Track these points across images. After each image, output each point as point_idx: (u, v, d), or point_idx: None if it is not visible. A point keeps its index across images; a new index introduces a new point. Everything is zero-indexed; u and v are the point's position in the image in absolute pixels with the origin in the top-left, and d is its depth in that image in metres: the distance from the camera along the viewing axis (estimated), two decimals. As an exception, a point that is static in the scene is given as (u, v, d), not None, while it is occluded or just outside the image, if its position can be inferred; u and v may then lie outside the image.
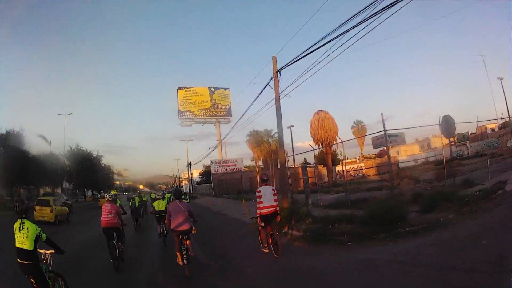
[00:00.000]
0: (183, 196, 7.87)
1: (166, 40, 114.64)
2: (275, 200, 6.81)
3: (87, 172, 41.18)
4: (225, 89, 47.65)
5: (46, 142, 35.54)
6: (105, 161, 49.95)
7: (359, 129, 49.15)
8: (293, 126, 29.95)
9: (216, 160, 42.75)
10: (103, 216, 6.85)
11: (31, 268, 3.76)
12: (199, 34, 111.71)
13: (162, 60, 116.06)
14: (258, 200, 6.86)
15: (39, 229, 3.88)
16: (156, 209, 9.78)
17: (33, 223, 3.95)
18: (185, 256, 5.72)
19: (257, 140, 42.39)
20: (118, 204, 8.61)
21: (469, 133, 42.24)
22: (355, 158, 54.92)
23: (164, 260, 7.60)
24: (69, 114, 41.26)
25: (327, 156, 34.49)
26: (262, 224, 6.74)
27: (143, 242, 10.35)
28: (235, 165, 41.47)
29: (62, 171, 37.87)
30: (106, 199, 7.34)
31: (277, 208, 6.82)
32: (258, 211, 6.85)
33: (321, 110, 34.04)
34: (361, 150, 50.44)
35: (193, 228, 6.01)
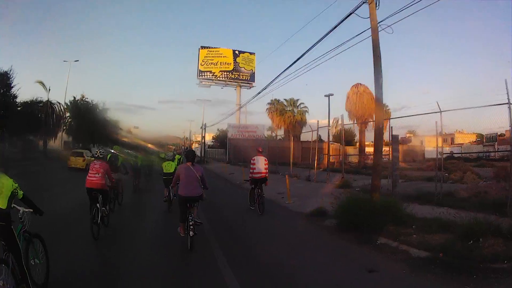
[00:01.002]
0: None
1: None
2: (265, 169, 8.71)
3: (90, 125, 37.30)
4: (250, 53, 44.70)
5: (44, 89, 32.40)
6: (113, 115, 46.90)
7: (385, 113, 47.16)
8: (332, 94, 27.83)
9: (234, 124, 40.15)
10: (89, 175, 6.05)
11: (2, 229, 3.05)
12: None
13: (185, 18, 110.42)
14: (252, 166, 8.73)
15: (16, 184, 3.27)
16: (164, 171, 9.07)
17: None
18: (191, 226, 4.93)
19: (281, 108, 40.05)
20: (120, 162, 8.62)
21: (498, 134, 40.89)
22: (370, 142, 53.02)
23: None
24: (75, 61, 37.71)
25: (362, 135, 32.27)
26: (253, 186, 8.68)
27: (141, 207, 9.47)
28: (255, 131, 39.02)
29: (57, 121, 34.25)
30: (96, 155, 6.48)
31: (267, 175, 8.75)
32: (250, 175, 8.80)
33: (359, 83, 31.67)
34: (384, 133, 48.44)
35: (204, 195, 5.44)
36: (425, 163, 30.02)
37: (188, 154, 5.70)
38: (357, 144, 38.71)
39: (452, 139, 47.64)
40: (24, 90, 68.88)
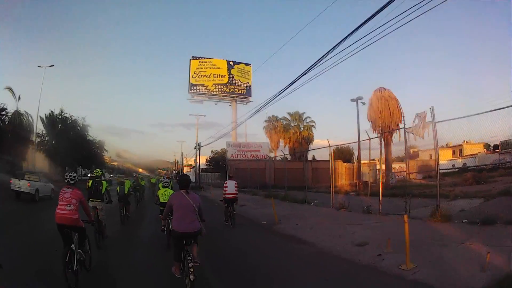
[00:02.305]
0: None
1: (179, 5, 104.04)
2: (236, 190, 10.51)
3: (68, 143, 32.26)
4: (246, 64, 40.90)
5: (13, 97, 27.23)
6: (96, 134, 41.52)
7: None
8: (361, 98, 23.94)
9: (235, 142, 35.58)
10: (58, 207, 4.62)
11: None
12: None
13: (174, 30, 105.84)
14: (224, 189, 10.62)
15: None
16: (161, 200, 7.85)
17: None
18: (191, 269, 4.05)
19: (284, 124, 36.10)
20: (104, 188, 7.49)
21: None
22: (374, 159, 49.98)
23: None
24: (51, 66, 32.53)
25: (388, 148, 28.56)
26: (225, 205, 10.49)
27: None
28: (258, 150, 34.59)
29: (26, 136, 28.75)
30: (66, 180, 4.92)
31: (236, 196, 10.52)
32: (223, 196, 10.69)
33: (383, 88, 28.24)
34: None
35: (203, 230, 4.50)
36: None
37: (182, 180, 4.69)
38: (375, 160, 34.91)
39: (461, 151, 45.49)
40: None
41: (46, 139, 33.19)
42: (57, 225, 4.58)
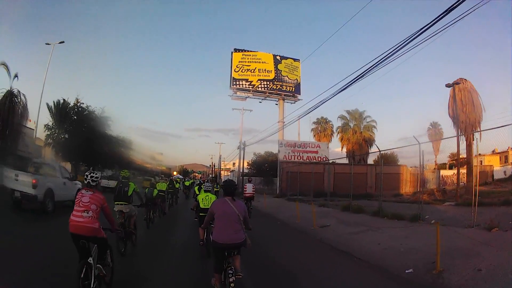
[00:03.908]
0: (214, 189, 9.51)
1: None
2: (253, 191, 14.76)
3: (82, 137, 27.30)
4: (294, 59, 37.70)
5: (7, 74, 22.64)
6: (118, 130, 37.20)
7: (437, 133, 42.46)
8: (458, 83, 21.48)
9: (288, 141, 31.85)
10: (73, 213, 3.90)
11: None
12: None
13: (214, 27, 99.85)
14: (244, 190, 14.86)
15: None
16: (201, 206, 6.67)
17: None
18: (232, 284, 3.71)
19: (343, 124, 33.06)
20: (131, 190, 6.80)
21: None
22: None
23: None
24: (60, 42, 28.42)
25: (469, 149, 25.91)
26: (245, 201, 13.19)
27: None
28: (317, 152, 31.23)
29: (19, 122, 23.83)
30: (86, 181, 4.16)
31: (253, 195, 14.77)
32: (243, 195, 14.66)
33: (463, 78, 25.65)
34: (435, 156, 43.70)
35: (248, 241, 4.13)
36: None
37: (227, 186, 4.24)
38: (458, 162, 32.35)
39: (506, 157, 43.97)
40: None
41: (56, 132, 28.77)
42: (72, 235, 3.85)
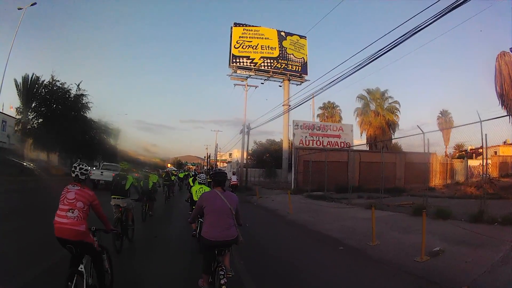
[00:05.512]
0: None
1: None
2: (236, 180, 19.23)
3: (59, 121, 24.47)
4: (300, 36, 33.46)
5: None
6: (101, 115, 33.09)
7: (447, 121, 39.73)
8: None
9: (305, 123, 27.01)
10: (57, 213, 3.25)
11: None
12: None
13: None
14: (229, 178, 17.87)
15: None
16: (195, 198, 6.54)
17: None
18: (223, 286, 3.25)
19: (363, 104, 28.98)
20: (129, 183, 6.47)
21: None
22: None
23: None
24: (33, 4, 23.12)
25: None
26: (231, 189, 15.06)
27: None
28: (339, 136, 26.65)
29: None
30: (74, 174, 3.53)
31: (237, 184, 19.34)
32: (229, 184, 17.93)
33: (507, 51, 22.55)
34: (446, 147, 40.94)
35: (240, 238, 3.66)
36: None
37: (217, 176, 3.82)
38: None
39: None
40: None
41: (29, 116, 24.41)
42: (57, 239, 3.23)
